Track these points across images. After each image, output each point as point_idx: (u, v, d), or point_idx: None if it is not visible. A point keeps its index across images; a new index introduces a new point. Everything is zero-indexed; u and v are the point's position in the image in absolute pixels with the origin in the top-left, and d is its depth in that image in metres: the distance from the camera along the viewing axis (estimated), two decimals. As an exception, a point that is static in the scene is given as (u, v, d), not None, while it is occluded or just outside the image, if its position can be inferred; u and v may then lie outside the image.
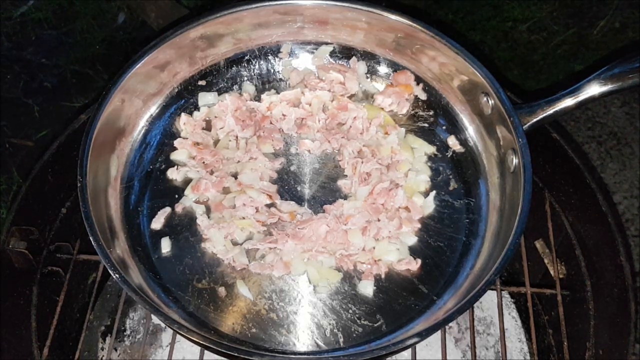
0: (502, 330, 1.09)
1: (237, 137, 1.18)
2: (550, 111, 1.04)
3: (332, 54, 1.26)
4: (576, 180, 1.22)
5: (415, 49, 1.18)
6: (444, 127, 1.20)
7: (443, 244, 1.08)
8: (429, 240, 1.08)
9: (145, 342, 1.29)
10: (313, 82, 1.24)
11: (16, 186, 1.90)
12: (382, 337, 0.98)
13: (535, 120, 1.04)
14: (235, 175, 1.14)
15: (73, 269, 1.20)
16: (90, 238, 0.93)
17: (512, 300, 1.44)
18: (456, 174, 1.15)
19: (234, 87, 1.25)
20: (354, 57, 1.25)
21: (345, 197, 1.11)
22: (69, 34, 2.28)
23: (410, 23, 1.13)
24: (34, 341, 1.12)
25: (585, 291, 1.18)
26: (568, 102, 1.04)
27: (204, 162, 1.15)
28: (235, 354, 0.87)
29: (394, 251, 1.05)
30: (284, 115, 1.21)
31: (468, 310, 1.13)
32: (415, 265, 1.04)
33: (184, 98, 1.23)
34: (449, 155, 1.17)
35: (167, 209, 1.10)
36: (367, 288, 1.02)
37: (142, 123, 1.18)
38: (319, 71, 1.26)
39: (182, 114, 1.21)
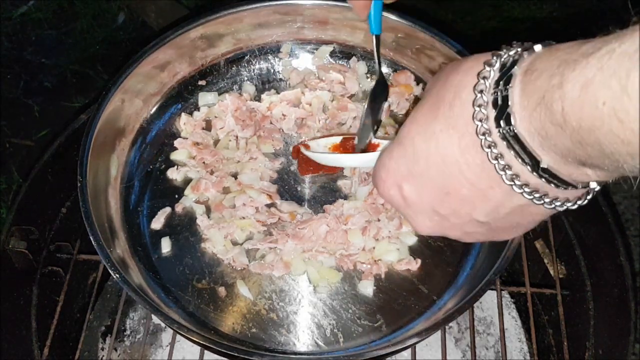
0: (502, 330, 1.10)
1: (237, 137, 1.18)
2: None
3: (332, 54, 1.26)
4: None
5: (415, 49, 1.18)
6: (444, 127, 1.20)
7: (443, 244, 1.08)
8: (429, 240, 1.08)
9: (145, 342, 1.29)
10: (313, 82, 1.24)
11: (16, 186, 1.89)
12: (382, 337, 0.98)
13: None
14: (235, 175, 1.14)
15: (73, 269, 1.20)
16: (91, 238, 0.93)
17: (512, 300, 1.44)
18: (456, 174, 1.15)
19: (234, 87, 1.25)
20: (354, 57, 1.25)
21: (345, 197, 1.11)
22: (69, 34, 2.28)
23: (410, 23, 1.14)
24: (34, 341, 1.12)
25: (585, 291, 1.18)
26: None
27: (204, 162, 1.15)
28: (235, 354, 0.87)
29: (394, 251, 1.05)
30: (284, 115, 1.21)
31: (468, 310, 1.13)
32: (415, 265, 1.04)
33: (184, 98, 1.23)
34: (449, 155, 1.17)
35: (167, 209, 1.10)
36: (367, 288, 1.03)
37: (142, 123, 1.18)
38: (319, 71, 1.26)
39: (182, 114, 1.21)
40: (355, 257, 1.05)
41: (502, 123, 0.54)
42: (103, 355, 1.34)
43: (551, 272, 1.26)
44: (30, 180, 1.20)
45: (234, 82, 1.26)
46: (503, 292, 1.38)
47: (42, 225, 1.23)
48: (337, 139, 1.05)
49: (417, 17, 1.14)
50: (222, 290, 1.02)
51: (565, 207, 0.58)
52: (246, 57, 1.26)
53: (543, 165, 0.54)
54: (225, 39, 1.22)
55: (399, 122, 1.21)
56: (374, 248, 1.06)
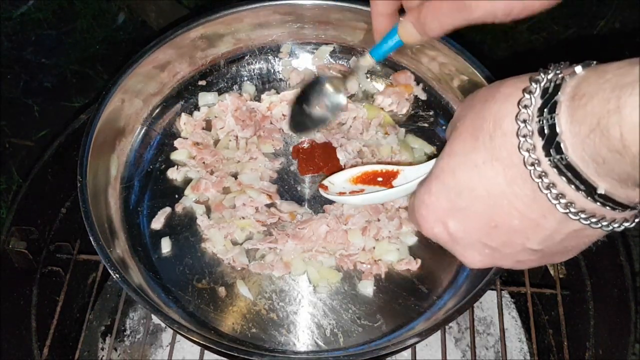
0: (502, 330, 1.10)
1: (237, 137, 1.18)
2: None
3: (332, 54, 1.26)
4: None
5: (415, 49, 1.18)
6: (444, 127, 1.20)
7: (443, 244, 1.07)
8: (429, 240, 1.06)
9: (145, 342, 1.29)
10: (313, 82, 1.24)
11: (16, 186, 1.90)
12: (382, 337, 0.98)
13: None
14: (235, 175, 1.14)
15: (73, 269, 1.20)
16: (90, 238, 0.93)
17: (512, 300, 1.43)
18: (456, 174, 1.15)
19: (234, 87, 1.25)
20: (354, 57, 1.25)
21: (345, 197, 1.11)
22: (69, 34, 2.28)
23: (410, 23, 1.13)
24: (34, 341, 1.12)
25: (585, 291, 1.18)
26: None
27: (204, 162, 1.15)
28: (235, 354, 0.87)
29: (394, 251, 1.05)
30: (284, 115, 1.21)
31: (468, 310, 1.13)
32: (415, 265, 1.04)
33: (184, 98, 1.23)
34: (449, 155, 1.17)
35: (167, 209, 1.10)
36: (367, 288, 1.03)
37: (142, 123, 1.18)
38: (319, 71, 1.26)
39: (182, 114, 1.21)
40: (355, 257, 1.05)
41: (552, 152, 0.52)
42: (103, 355, 1.34)
43: (551, 272, 1.26)
44: (30, 180, 1.20)
45: (234, 82, 1.26)
46: (503, 292, 1.38)
47: (42, 225, 1.23)
48: (354, 172, 1.02)
49: (417, 17, 1.14)
50: (222, 290, 1.02)
51: (623, 228, 0.56)
52: (246, 57, 1.26)
53: (600, 191, 0.52)
54: (225, 39, 1.22)
55: (399, 122, 1.21)
56: (374, 248, 1.06)
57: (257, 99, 1.23)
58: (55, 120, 2.04)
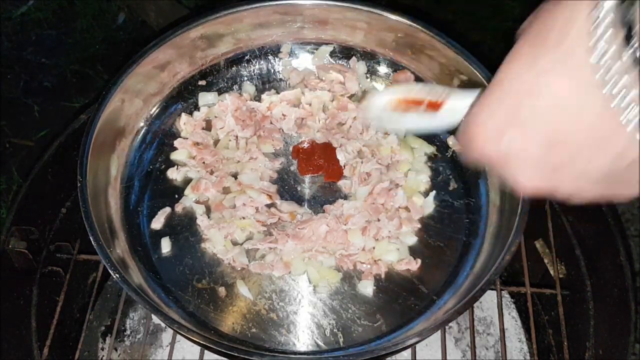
0: (502, 330, 1.09)
1: (237, 137, 1.18)
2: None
3: (332, 54, 1.26)
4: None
5: (415, 49, 1.18)
6: (444, 127, 1.20)
7: (443, 244, 1.08)
8: (429, 240, 1.08)
9: (145, 342, 1.29)
10: (313, 82, 1.24)
11: (16, 186, 1.89)
12: (382, 337, 0.98)
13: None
14: (235, 175, 1.14)
15: (73, 269, 1.20)
16: (90, 238, 0.93)
17: (512, 300, 1.44)
18: (456, 174, 1.15)
19: (234, 87, 1.25)
20: (354, 57, 1.25)
21: (345, 197, 1.11)
22: (69, 34, 2.28)
23: (410, 23, 1.13)
24: (34, 341, 1.12)
25: (585, 291, 1.18)
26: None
27: (204, 162, 1.15)
28: (235, 354, 0.87)
29: (394, 251, 1.05)
30: (284, 115, 1.21)
31: (468, 310, 1.13)
32: (415, 265, 1.04)
33: (184, 98, 1.23)
34: (448, 155, 1.17)
35: (167, 209, 1.10)
36: (367, 288, 1.03)
37: (142, 123, 1.18)
38: (319, 71, 1.26)
39: (182, 114, 1.21)
40: (355, 257, 1.05)
41: (624, 54, 0.48)
42: (103, 355, 1.34)
43: (551, 272, 1.26)
44: (30, 180, 1.20)
45: (234, 82, 1.26)
46: (503, 292, 1.38)
47: (42, 225, 1.23)
48: (394, 94, 0.85)
49: (417, 17, 1.14)
50: (222, 290, 1.02)
51: None
52: (246, 57, 1.26)
53: None
54: (225, 39, 1.22)
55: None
56: (374, 248, 1.06)
57: (257, 99, 1.23)
58: (55, 120, 2.04)
